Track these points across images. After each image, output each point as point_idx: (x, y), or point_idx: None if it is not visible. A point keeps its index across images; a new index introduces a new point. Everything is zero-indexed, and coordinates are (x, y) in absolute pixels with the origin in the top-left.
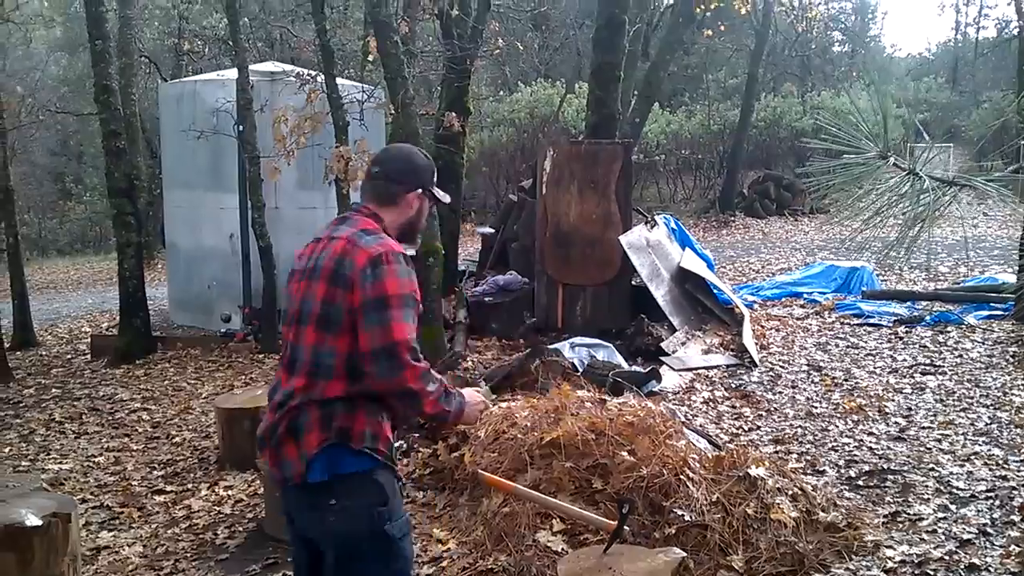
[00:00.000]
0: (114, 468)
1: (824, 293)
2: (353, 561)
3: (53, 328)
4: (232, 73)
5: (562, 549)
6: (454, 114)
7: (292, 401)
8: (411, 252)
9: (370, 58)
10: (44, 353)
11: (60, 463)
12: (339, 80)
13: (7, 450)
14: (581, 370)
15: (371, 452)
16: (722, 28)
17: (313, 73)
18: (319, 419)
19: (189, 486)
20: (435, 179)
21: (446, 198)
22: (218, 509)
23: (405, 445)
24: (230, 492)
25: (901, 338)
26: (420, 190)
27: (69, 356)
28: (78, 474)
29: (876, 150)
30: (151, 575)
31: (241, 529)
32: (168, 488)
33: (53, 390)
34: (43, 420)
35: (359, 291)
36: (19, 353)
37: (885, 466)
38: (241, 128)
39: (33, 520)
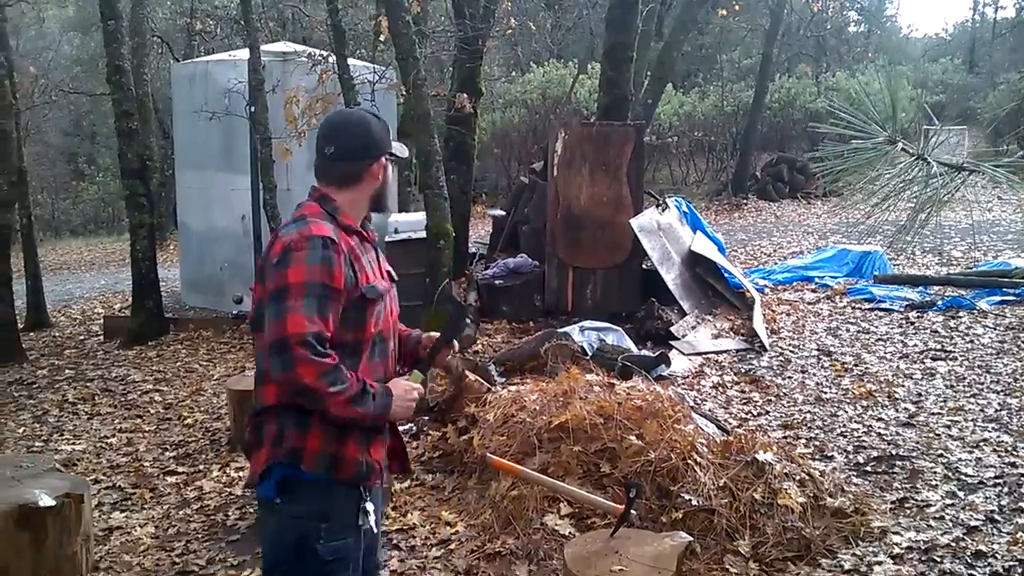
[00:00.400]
0: (126, 449)
1: (836, 277)
2: (273, 573)
3: (66, 309)
4: (244, 53)
5: (569, 533)
6: (466, 95)
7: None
8: (374, 228)
9: (382, 38)
10: (57, 334)
11: (73, 444)
12: (351, 60)
13: (21, 431)
14: (590, 354)
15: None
16: (736, 8)
17: (325, 53)
18: (273, 434)
19: (201, 467)
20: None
21: (403, 151)
22: (229, 490)
23: (415, 428)
24: (241, 473)
25: (912, 323)
26: (381, 157)
27: (82, 337)
28: (91, 455)
29: (885, 135)
30: (163, 555)
31: (252, 510)
32: (180, 469)
33: (66, 371)
34: (56, 401)
35: (266, 283)
36: (32, 334)
37: (894, 452)
38: (253, 109)
39: (46, 500)
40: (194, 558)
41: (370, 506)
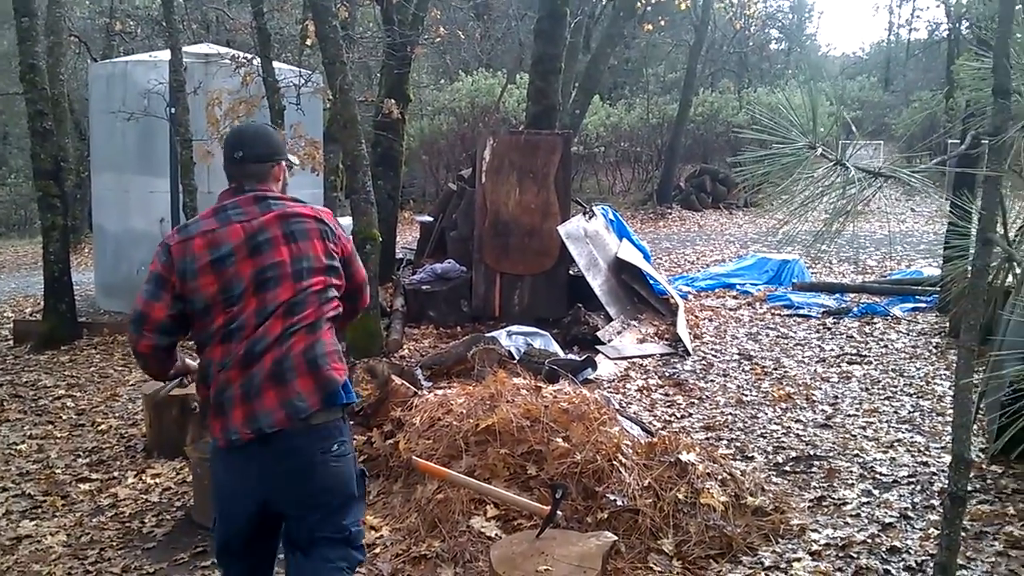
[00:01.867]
0: (37, 456)
1: (756, 284)
2: (353, 503)
3: None
4: (165, 54)
5: (496, 535)
6: (393, 101)
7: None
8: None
9: (308, 42)
10: None
11: None
12: (276, 64)
13: None
14: (517, 358)
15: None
16: (662, 23)
17: (249, 56)
18: (337, 351)
19: (115, 474)
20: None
21: (295, 160)
22: (145, 497)
23: None
24: (158, 480)
25: (829, 329)
26: (284, 161)
27: None
28: None
29: (805, 140)
30: (75, 564)
31: (169, 517)
32: (93, 476)
33: None
34: None
35: (343, 241)
36: None
37: (811, 452)
38: (173, 110)
39: None
40: (109, 566)
41: None
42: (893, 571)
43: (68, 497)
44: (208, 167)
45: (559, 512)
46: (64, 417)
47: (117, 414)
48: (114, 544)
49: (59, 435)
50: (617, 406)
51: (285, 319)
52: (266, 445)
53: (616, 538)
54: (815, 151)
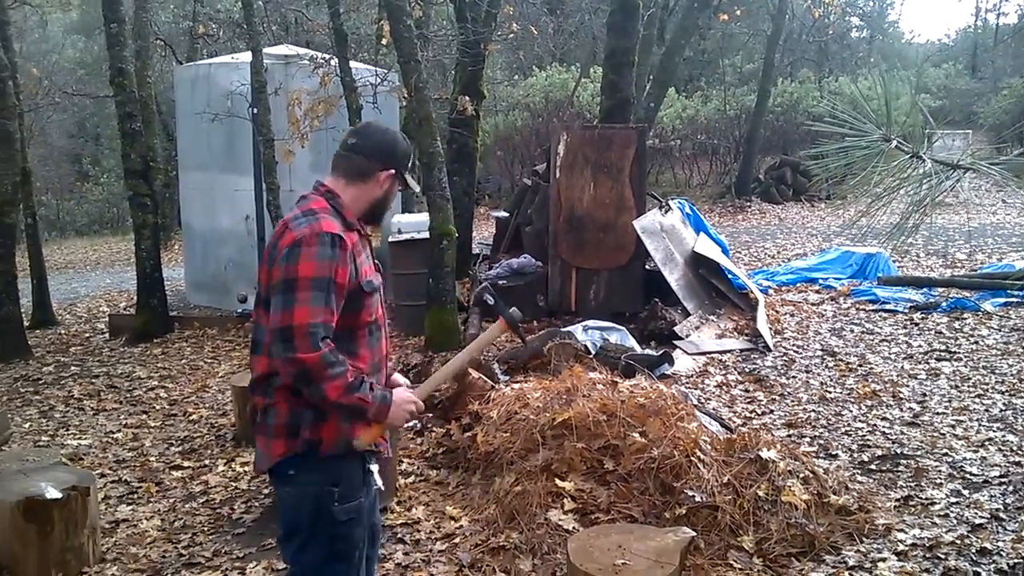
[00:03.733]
0: (132, 444)
1: (839, 279)
2: (293, 537)
3: (71, 307)
4: (246, 56)
5: (573, 527)
6: (468, 98)
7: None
8: (376, 238)
9: (384, 42)
10: (63, 332)
11: (79, 439)
12: (353, 63)
13: (27, 426)
14: (594, 353)
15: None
16: (738, 13)
17: (327, 56)
18: (285, 426)
19: (206, 462)
20: (409, 166)
21: (416, 186)
22: (235, 484)
23: (419, 425)
24: (246, 468)
25: (916, 324)
26: (394, 171)
27: (87, 335)
28: (97, 450)
29: (880, 133)
30: (169, 547)
31: (257, 504)
32: (185, 464)
33: (72, 368)
34: (62, 397)
35: (275, 271)
36: (38, 332)
37: (898, 451)
38: (255, 111)
39: (53, 493)
40: (200, 550)
41: (374, 466)
42: (983, 573)
43: (162, 484)
44: (290, 166)
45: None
46: (157, 407)
47: (207, 404)
48: (205, 529)
49: (152, 424)
50: (695, 402)
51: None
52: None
53: (694, 534)
54: (890, 143)
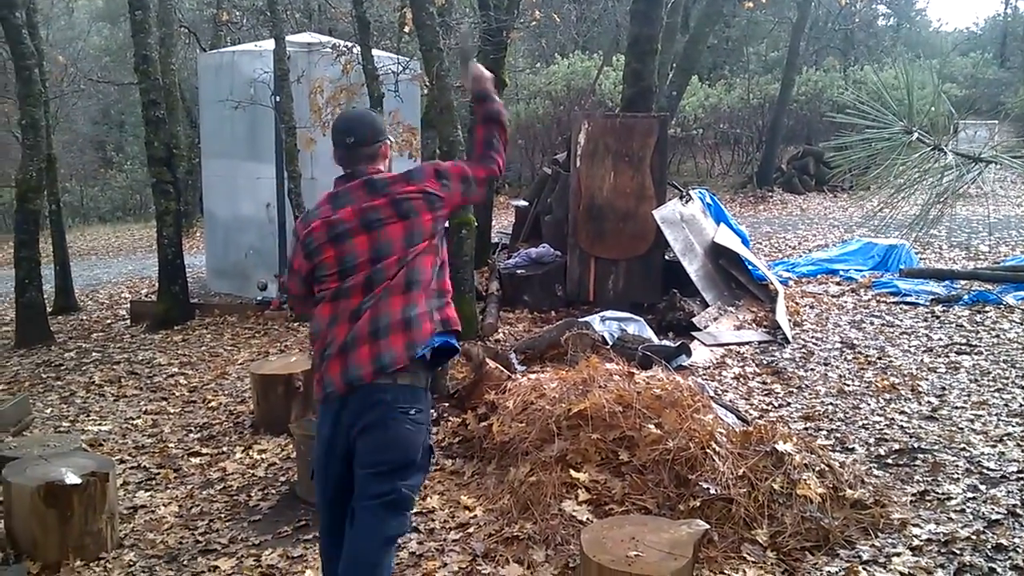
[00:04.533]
0: (151, 430)
1: (861, 271)
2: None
3: (93, 293)
4: (269, 44)
5: (587, 519)
6: None
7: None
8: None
9: (406, 30)
10: (84, 318)
11: (99, 424)
12: (375, 51)
13: (48, 411)
14: (611, 343)
15: None
16: (763, 0)
17: (349, 44)
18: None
19: (224, 449)
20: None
21: (392, 139)
22: (252, 472)
23: (436, 414)
24: (264, 455)
25: (938, 317)
26: (388, 140)
27: (109, 321)
28: (117, 435)
29: (901, 125)
30: (186, 533)
31: (274, 492)
32: (204, 451)
33: (93, 354)
34: (83, 383)
35: (446, 180)
36: (60, 317)
37: (915, 445)
38: (278, 99)
39: (73, 478)
40: (216, 536)
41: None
42: (999, 570)
43: (180, 470)
44: (311, 154)
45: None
46: (177, 394)
47: (227, 392)
48: (222, 516)
49: (172, 411)
50: (712, 393)
51: (390, 281)
52: (355, 397)
53: (708, 527)
54: (911, 135)
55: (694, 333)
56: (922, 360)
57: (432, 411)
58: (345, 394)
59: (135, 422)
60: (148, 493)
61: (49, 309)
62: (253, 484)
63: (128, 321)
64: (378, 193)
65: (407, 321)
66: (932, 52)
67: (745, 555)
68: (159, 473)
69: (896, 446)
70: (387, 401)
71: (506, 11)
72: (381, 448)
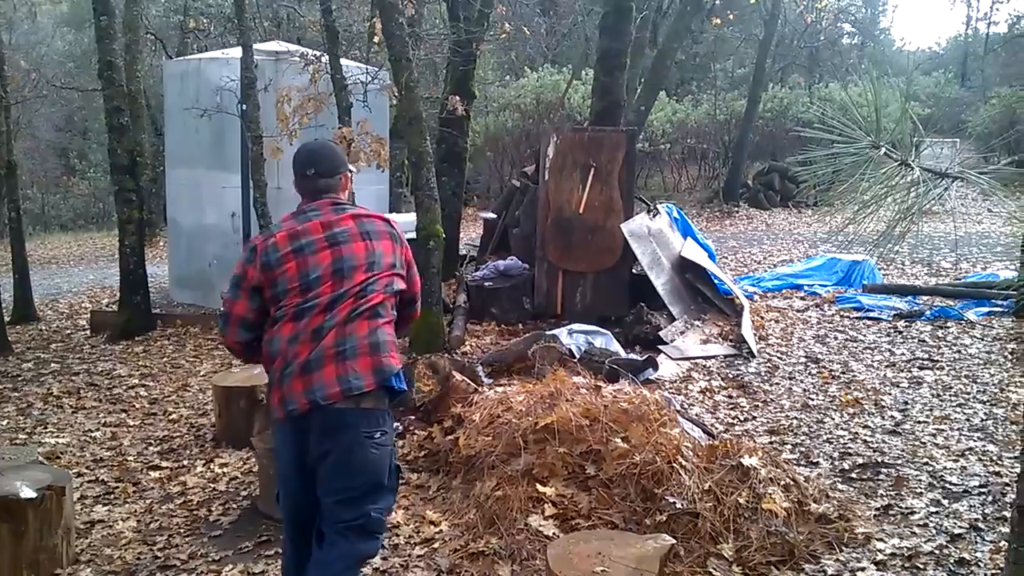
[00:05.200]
0: (110, 443)
1: (825, 286)
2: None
3: (54, 303)
4: (237, 52)
5: (553, 534)
6: (458, 98)
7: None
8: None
9: (376, 39)
10: (44, 328)
11: (57, 437)
12: (344, 61)
13: (4, 423)
14: (578, 356)
15: None
16: (731, 17)
17: (318, 54)
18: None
19: (185, 462)
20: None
21: (352, 169)
22: (213, 486)
23: (400, 427)
24: (225, 469)
25: (900, 332)
26: (348, 171)
27: (69, 331)
28: (75, 448)
29: (868, 140)
30: (144, 549)
31: (235, 506)
32: (164, 464)
33: (52, 364)
34: (41, 394)
35: (403, 249)
36: (19, 327)
37: (879, 459)
38: (244, 107)
39: (28, 492)
40: (176, 552)
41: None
42: None
43: (139, 484)
44: (278, 163)
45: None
46: (137, 406)
47: (188, 404)
48: (182, 531)
49: (132, 423)
50: (678, 407)
51: (355, 301)
52: (318, 418)
53: (674, 541)
54: (879, 151)
55: (661, 347)
56: (885, 375)
57: (396, 424)
58: (308, 412)
59: (94, 435)
60: (106, 507)
61: (7, 319)
62: (214, 498)
63: (88, 331)
64: (344, 212)
65: (374, 345)
66: (896, 71)
67: (711, 570)
68: (117, 487)
69: (860, 460)
70: (350, 425)
71: (476, 23)
72: (347, 475)
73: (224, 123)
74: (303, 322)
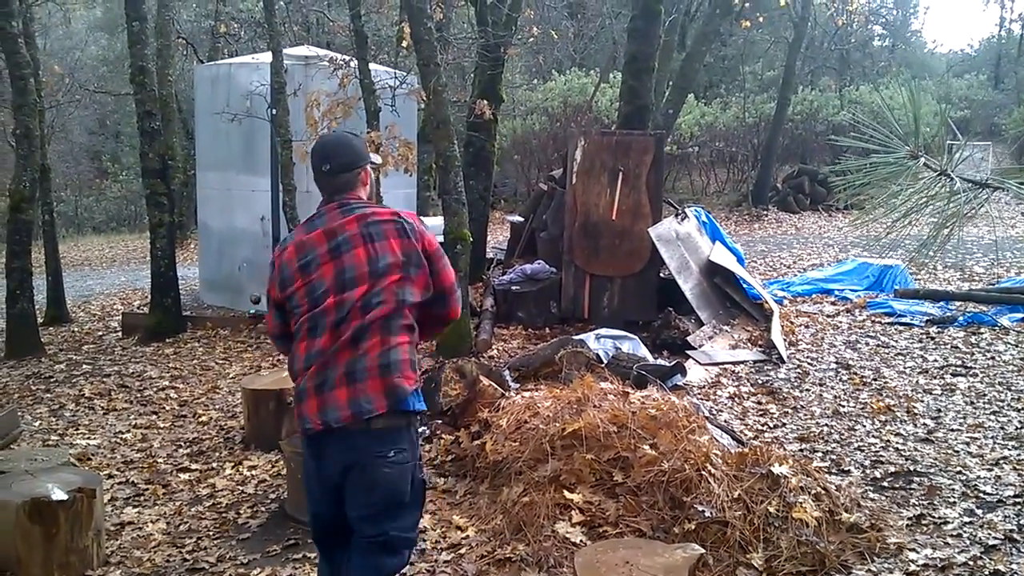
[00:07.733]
0: (141, 445)
1: (856, 291)
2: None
3: (86, 305)
4: (266, 56)
5: (580, 540)
6: (486, 102)
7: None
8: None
9: (404, 44)
10: (76, 329)
11: (88, 439)
12: (372, 65)
13: (37, 424)
14: (605, 362)
15: None
16: (760, 19)
17: (347, 58)
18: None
19: (214, 465)
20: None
21: (377, 159)
22: (241, 488)
23: (428, 431)
24: (254, 472)
25: (933, 338)
26: (368, 165)
27: (100, 333)
28: (105, 450)
29: (907, 149)
30: (173, 551)
31: (263, 509)
32: (193, 466)
33: (84, 366)
34: (73, 395)
35: (429, 239)
36: (51, 329)
37: (911, 468)
38: (274, 111)
39: (59, 494)
40: (204, 555)
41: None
42: None
43: (169, 486)
44: (307, 167)
45: None
46: (167, 408)
47: (217, 406)
48: (210, 534)
49: (162, 425)
50: (707, 414)
51: (363, 315)
52: (332, 438)
53: (703, 550)
54: (918, 161)
55: (689, 352)
56: (917, 382)
57: (424, 428)
58: (323, 432)
59: (124, 436)
60: (136, 509)
61: (40, 320)
62: (242, 501)
63: (120, 333)
64: (351, 215)
65: (385, 367)
66: (927, 73)
67: None
68: (147, 489)
69: (892, 469)
70: (362, 446)
71: (504, 27)
72: (364, 492)
73: (254, 127)
74: (316, 342)
